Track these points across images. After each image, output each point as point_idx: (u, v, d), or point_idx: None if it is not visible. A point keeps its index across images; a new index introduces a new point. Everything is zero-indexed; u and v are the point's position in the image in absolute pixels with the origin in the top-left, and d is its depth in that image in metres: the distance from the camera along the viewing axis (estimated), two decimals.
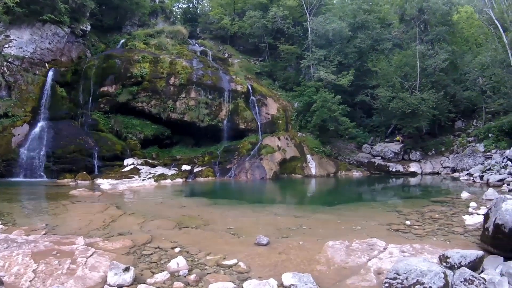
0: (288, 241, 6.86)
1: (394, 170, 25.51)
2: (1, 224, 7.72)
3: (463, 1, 46.67)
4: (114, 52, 25.51)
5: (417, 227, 8.08)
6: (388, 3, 40.52)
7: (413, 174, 24.97)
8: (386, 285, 4.29)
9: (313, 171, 24.35)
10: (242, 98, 26.20)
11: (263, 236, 6.66)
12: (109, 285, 4.57)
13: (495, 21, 26.01)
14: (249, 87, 27.20)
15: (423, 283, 4.11)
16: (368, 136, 29.94)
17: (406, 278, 4.18)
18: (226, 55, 35.33)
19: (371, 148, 28.08)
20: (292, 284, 4.48)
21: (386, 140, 29.16)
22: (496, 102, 25.36)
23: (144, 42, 28.86)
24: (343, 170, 25.57)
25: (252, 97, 26.91)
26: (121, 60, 24.10)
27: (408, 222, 8.47)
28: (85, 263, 5.15)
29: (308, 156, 25.17)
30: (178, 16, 43.68)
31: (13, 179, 17.79)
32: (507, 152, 19.90)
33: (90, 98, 22.96)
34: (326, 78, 27.56)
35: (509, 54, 23.63)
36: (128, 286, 4.61)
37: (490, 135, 24.83)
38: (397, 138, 28.13)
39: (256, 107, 26.70)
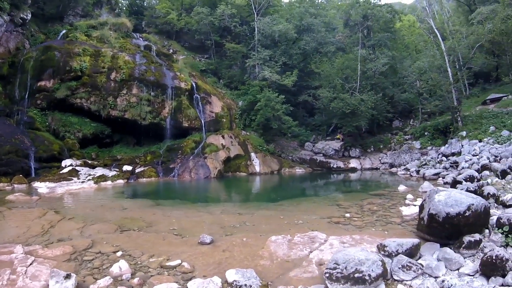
0: (232, 238, 7.04)
1: (335, 166, 26.73)
2: None
3: (407, 10, 50.19)
4: (53, 43, 24.03)
5: (356, 219, 8.53)
6: (334, 8, 42.55)
7: (353, 170, 26.29)
8: (327, 275, 4.57)
9: (257, 168, 24.85)
10: (186, 96, 25.94)
11: (207, 235, 6.81)
12: None
13: (435, 30, 28.24)
14: (194, 84, 27.01)
15: (361, 271, 4.42)
16: (310, 134, 31.16)
17: (346, 267, 4.47)
18: (171, 50, 34.69)
19: (313, 146, 29.22)
20: (235, 280, 4.64)
21: (328, 138, 30.50)
22: (432, 104, 27.44)
23: (86, 34, 27.43)
24: (287, 167, 26.33)
25: (196, 94, 26.77)
26: (60, 53, 22.85)
27: (347, 215, 8.93)
28: (25, 273, 5.07)
29: (252, 154, 25.64)
30: (124, 8, 41.99)
31: None
32: (442, 148, 21.94)
33: (27, 93, 21.56)
34: (270, 78, 28.23)
35: (446, 60, 25.65)
36: None
37: (426, 133, 26.97)
38: (338, 136, 29.56)
39: (200, 105, 26.60)
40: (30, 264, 5.38)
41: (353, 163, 27.03)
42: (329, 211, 9.75)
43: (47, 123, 21.62)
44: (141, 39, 32.44)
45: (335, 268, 4.53)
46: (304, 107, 33.10)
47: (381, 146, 28.96)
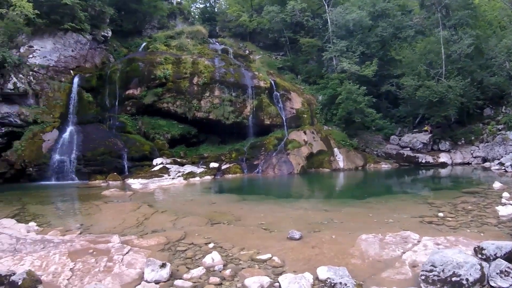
0: (320, 235, 6.88)
1: (423, 161, 24.89)
2: (36, 225, 7.94)
3: None
4: (136, 55, 25.84)
5: (450, 219, 8.05)
6: None
7: (443, 165, 24.35)
8: (423, 277, 4.32)
9: (341, 164, 24.00)
10: (266, 94, 26.09)
11: (296, 231, 6.69)
12: (146, 281, 4.64)
13: None
14: (272, 82, 27.04)
15: (459, 275, 4.12)
16: (395, 127, 29.22)
17: (443, 270, 4.19)
18: (247, 51, 35.22)
19: (399, 139, 27.40)
20: (329, 278, 4.48)
21: (414, 130, 28.34)
22: None
23: (165, 44, 29.05)
24: (371, 162, 25.14)
25: (275, 92, 26.78)
26: (143, 63, 24.41)
27: (441, 214, 8.42)
28: (121, 261, 5.23)
29: (335, 150, 24.83)
30: (197, 16, 43.97)
31: (45, 183, 18.25)
32: None
33: (116, 101, 23.39)
34: (349, 69, 27.07)
35: None
36: (165, 281, 4.68)
37: None
38: (426, 128, 27.29)
39: (280, 102, 26.56)
40: (126, 253, 5.57)
41: (443, 158, 24.87)
42: (420, 209, 9.26)
43: (137, 127, 23.23)
44: (217, 43, 33.48)
45: (431, 271, 4.28)
46: (387, 98, 31.14)
47: (472, 138, 26.04)
